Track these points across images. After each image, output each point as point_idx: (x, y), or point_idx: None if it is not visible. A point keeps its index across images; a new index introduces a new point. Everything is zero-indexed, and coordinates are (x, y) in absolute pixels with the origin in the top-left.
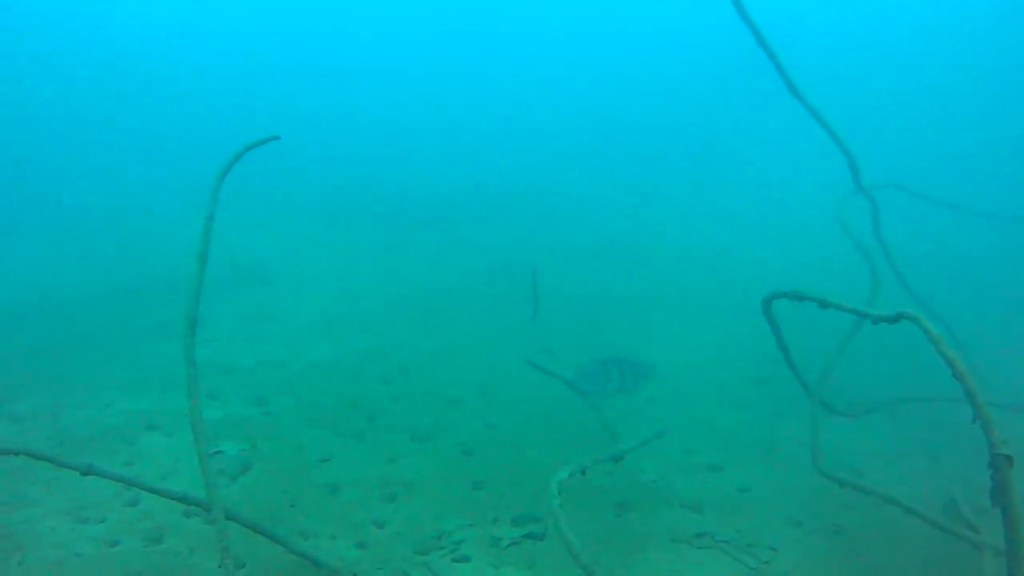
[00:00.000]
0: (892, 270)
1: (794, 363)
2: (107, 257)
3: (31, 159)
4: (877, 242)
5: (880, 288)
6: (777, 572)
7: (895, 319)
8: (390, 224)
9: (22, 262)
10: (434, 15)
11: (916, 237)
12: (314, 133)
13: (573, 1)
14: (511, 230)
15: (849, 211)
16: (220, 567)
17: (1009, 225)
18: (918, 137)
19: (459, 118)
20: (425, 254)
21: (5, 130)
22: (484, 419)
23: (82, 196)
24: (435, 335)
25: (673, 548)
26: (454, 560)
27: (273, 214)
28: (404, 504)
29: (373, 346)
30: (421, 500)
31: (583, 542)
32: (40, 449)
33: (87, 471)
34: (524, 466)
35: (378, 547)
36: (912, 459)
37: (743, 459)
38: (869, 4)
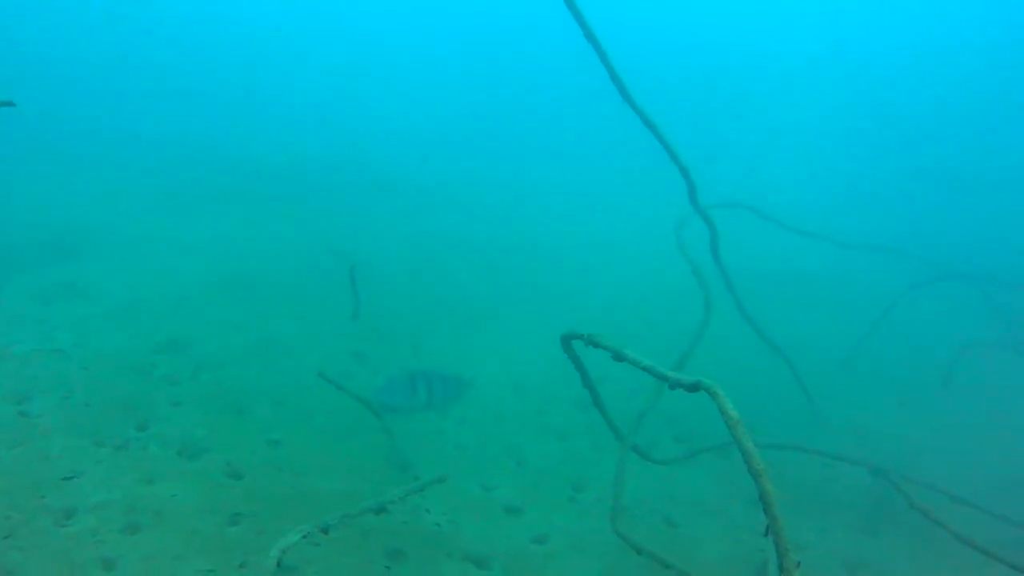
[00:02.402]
0: (731, 295)
1: (603, 405)
2: None
3: None
4: (716, 266)
5: (712, 314)
6: None
7: (693, 388)
8: (235, 198)
9: None
10: None
11: (772, 260)
12: (163, 97)
13: None
14: (358, 216)
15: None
16: None
17: (865, 254)
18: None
19: (328, 96)
20: (265, 233)
21: None
22: (268, 434)
23: None
24: (249, 327)
25: None
26: None
27: (101, 179)
28: (145, 539)
29: (174, 336)
30: (166, 535)
31: None
32: None
33: None
34: (298, 496)
35: None
36: (734, 508)
37: (547, 500)
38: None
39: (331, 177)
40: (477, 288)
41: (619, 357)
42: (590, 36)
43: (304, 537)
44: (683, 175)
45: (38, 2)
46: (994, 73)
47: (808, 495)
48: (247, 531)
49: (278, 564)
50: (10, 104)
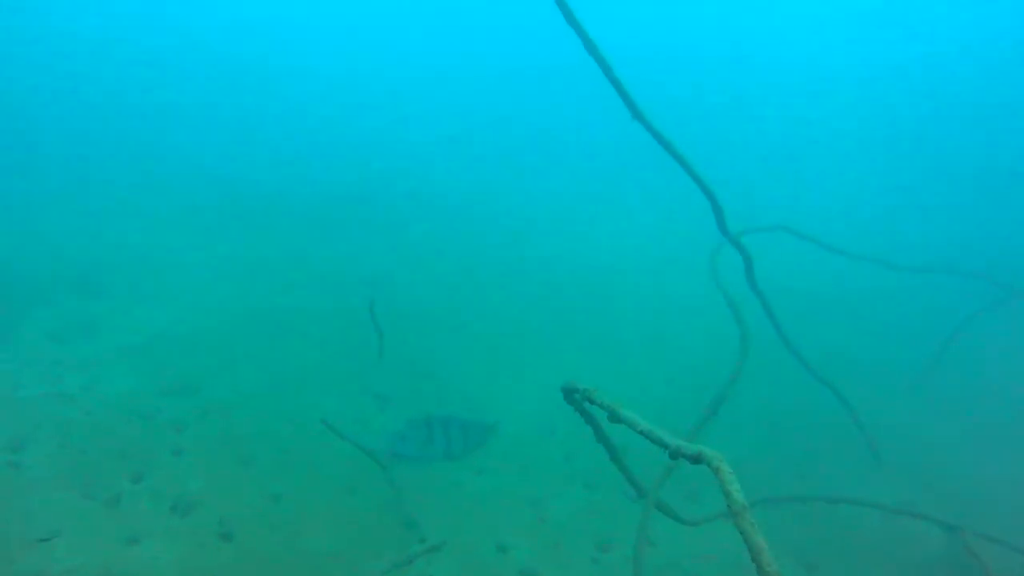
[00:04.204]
0: (773, 326)
1: (621, 458)
2: None
3: None
4: (754, 294)
5: (749, 351)
6: None
7: (696, 460)
8: (265, 227)
9: None
10: (320, 11)
11: (814, 282)
12: (192, 125)
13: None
14: (386, 242)
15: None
16: None
17: (920, 278)
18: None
19: (350, 119)
20: (293, 263)
21: None
22: (270, 486)
23: None
24: (265, 366)
25: None
26: None
27: (128, 209)
28: None
29: (186, 377)
30: None
31: None
32: None
33: None
34: (290, 559)
35: None
36: (785, 571)
37: (567, 562)
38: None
39: (359, 204)
40: (509, 319)
41: (615, 418)
42: (594, 52)
43: None
44: (709, 201)
45: (68, 33)
46: None
47: (868, 553)
48: None
49: None
50: None
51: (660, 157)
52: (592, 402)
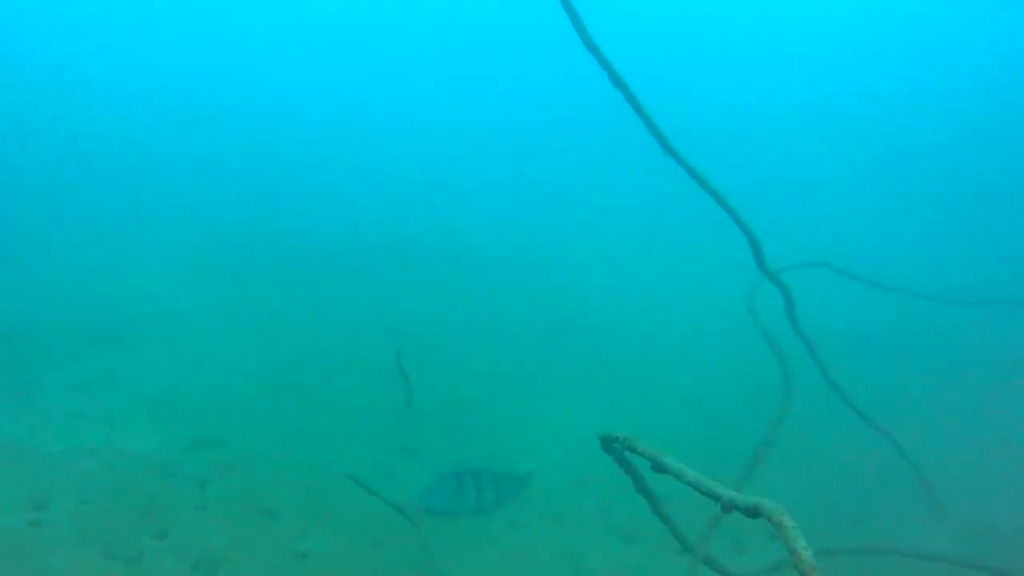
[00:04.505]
0: (816, 366)
1: (665, 511)
2: None
3: None
4: (795, 334)
5: (792, 394)
6: None
7: (753, 513)
8: (286, 277)
9: None
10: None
11: (860, 322)
12: (213, 174)
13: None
14: (412, 292)
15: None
16: None
17: (971, 311)
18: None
19: (374, 169)
20: (316, 312)
21: None
22: (296, 543)
23: None
24: (290, 418)
25: None
26: None
27: (147, 259)
28: None
29: (210, 431)
30: None
31: None
32: None
33: None
34: None
35: None
36: None
37: None
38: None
39: (384, 254)
40: (538, 368)
41: (659, 468)
42: (619, 84)
43: None
44: (746, 236)
45: (85, 88)
46: None
47: None
48: None
49: None
50: None
51: (694, 194)
52: (633, 451)
